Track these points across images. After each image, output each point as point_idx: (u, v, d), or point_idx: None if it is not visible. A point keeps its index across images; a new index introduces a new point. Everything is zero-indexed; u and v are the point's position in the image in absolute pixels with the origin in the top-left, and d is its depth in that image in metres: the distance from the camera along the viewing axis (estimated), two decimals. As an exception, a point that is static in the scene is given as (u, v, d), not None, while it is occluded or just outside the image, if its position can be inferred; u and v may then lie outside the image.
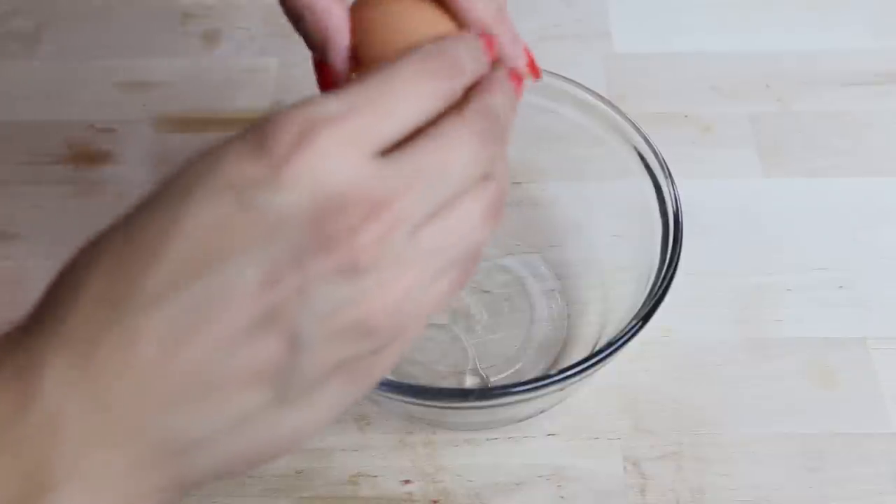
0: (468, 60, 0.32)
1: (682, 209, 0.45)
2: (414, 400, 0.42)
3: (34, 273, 0.52)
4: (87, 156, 0.59)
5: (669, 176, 0.46)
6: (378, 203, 0.27)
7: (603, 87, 0.61)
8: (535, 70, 0.37)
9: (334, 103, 0.28)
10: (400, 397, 0.42)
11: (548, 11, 0.66)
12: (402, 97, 0.29)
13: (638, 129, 0.48)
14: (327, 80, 0.35)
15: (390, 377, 0.42)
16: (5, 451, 0.26)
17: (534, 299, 0.52)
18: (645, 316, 0.42)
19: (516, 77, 0.35)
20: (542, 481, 0.46)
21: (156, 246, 0.27)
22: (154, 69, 0.64)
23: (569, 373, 0.41)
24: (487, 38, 0.34)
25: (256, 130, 0.28)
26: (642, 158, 0.48)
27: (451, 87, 0.30)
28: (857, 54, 0.64)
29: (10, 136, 0.60)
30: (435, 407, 0.43)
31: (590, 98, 0.49)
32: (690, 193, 0.48)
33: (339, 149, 0.27)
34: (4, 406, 0.26)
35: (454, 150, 0.29)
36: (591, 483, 0.46)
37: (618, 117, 0.49)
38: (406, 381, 0.47)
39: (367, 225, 0.27)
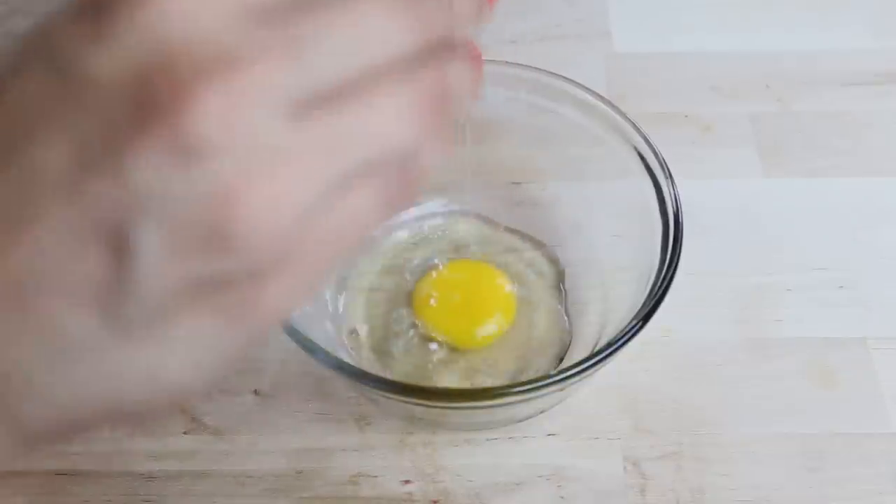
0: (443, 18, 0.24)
1: (682, 209, 0.45)
2: (414, 400, 0.42)
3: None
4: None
5: (669, 176, 0.46)
6: (230, 60, 0.20)
7: (603, 86, 0.61)
8: None
9: None
10: (400, 397, 0.42)
11: (548, 11, 0.66)
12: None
13: (638, 129, 0.48)
14: None
15: (390, 377, 0.42)
16: None
17: (534, 299, 0.52)
18: (645, 316, 0.42)
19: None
20: (542, 481, 0.46)
21: None
22: (154, 69, 0.63)
23: (569, 373, 0.41)
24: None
25: None
26: (642, 158, 0.48)
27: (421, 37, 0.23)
28: (858, 54, 0.64)
29: (10, 136, 0.60)
30: (435, 407, 0.43)
31: (590, 98, 0.49)
32: (690, 193, 0.48)
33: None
34: None
35: (360, 9, 0.22)
36: (591, 483, 0.46)
37: (618, 117, 0.49)
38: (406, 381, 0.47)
39: (205, 85, 0.20)
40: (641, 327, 0.42)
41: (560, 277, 0.53)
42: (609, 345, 0.42)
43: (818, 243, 0.55)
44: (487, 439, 0.48)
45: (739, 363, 0.50)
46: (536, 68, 0.50)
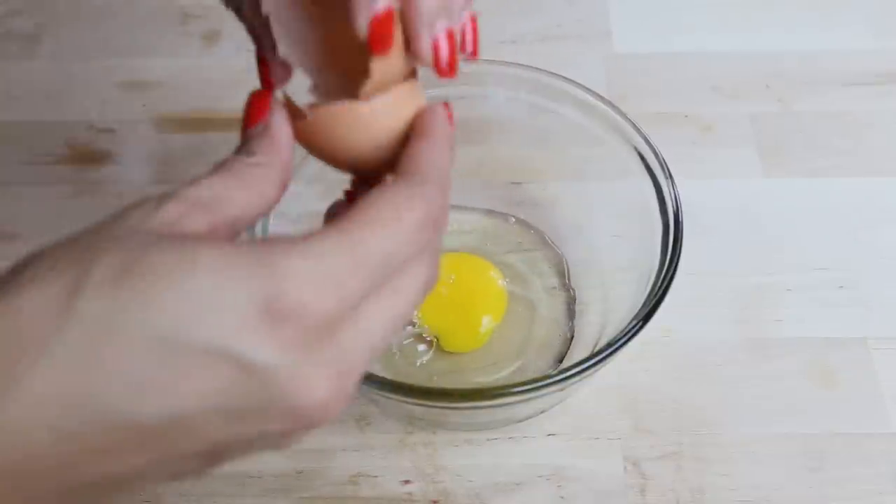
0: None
1: (683, 209, 0.45)
2: (414, 400, 0.42)
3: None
4: (87, 156, 0.59)
5: (670, 176, 0.46)
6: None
7: (603, 87, 0.61)
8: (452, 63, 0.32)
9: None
10: (400, 397, 0.42)
11: (549, 11, 0.66)
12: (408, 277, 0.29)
13: (638, 130, 0.48)
14: (265, 77, 0.33)
15: (390, 377, 0.42)
16: None
17: (534, 299, 0.52)
18: (645, 316, 0.42)
19: None
20: (542, 481, 0.46)
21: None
22: (154, 69, 0.64)
23: (569, 373, 0.41)
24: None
25: (269, 294, 0.26)
26: (643, 158, 0.48)
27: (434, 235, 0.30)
28: (858, 54, 0.64)
29: (10, 136, 0.60)
30: (435, 407, 0.43)
31: (590, 98, 0.49)
32: (691, 193, 0.48)
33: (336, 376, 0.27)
34: None
35: (409, 305, 0.29)
36: (591, 483, 0.46)
37: (618, 117, 0.49)
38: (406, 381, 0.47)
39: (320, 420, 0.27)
40: (641, 327, 0.42)
41: (561, 277, 0.53)
42: (609, 345, 0.41)
43: (818, 243, 0.55)
44: (487, 439, 0.48)
45: (740, 363, 0.50)
46: (536, 68, 0.50)
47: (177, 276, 0.24)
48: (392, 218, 0.28)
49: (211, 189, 0.29)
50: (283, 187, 0.31)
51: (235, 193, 0.29)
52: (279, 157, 0.30)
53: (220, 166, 0.30)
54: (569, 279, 0.53)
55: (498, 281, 0.52)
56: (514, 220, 0.55)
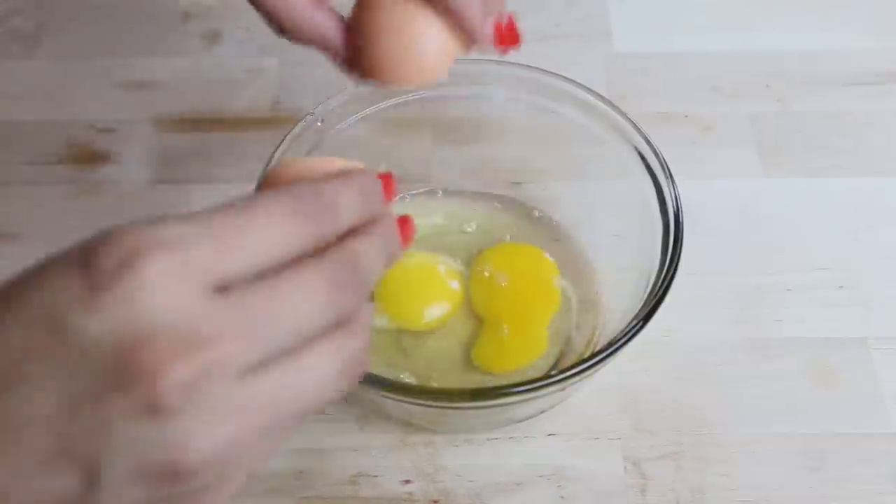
0: (346, 208, 0.30)
1: (683, 209, 0.45)
2: (414, 400, 0.42)
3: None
4: (87, 156, 0.59)
5: (670, 176, 0.46)
6: (195, 341, 0.25)
7: (603, 86, 0.61)
8: (510, 38, 0.37)
9: (178, 227, 0.26)
10: (400, 397, 0.42)
11: (549, 11, 0.66)
12: (256, 233, 0.27)
13: (638, 129, 0.48)
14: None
15: (389, 378, 0.42)
16: None
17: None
18: (646, 316, 0.42)
19: (404, 223, 0.33)
20: (543, 481, 0.46)
21: None
22: (154, 69, 0.64)
23: (569, 373, 0.41)
24: (386, 179, 0.33)
25: (86, 247, 0.26)
26: (643, 158, 0.48)
27: (318, 233, 0.29)
28: (858, 54, 0.64)
29: (10, 136, 0.60)
30: (435, 407, 0.43)
31: (590, 98, 0.49)
32: (691, 193, 0.48)
33: (167, 277, 0.25)
34: None
35: (296, 296, 0.27)
36: (591, 483, 0.46)
37: (618, 117, 0.49)
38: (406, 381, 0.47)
39: (175, 363, 0.25)
40: (642, 327, 0.42)
41: (561, 277, 0.52)
42: (609, 345, 0.41)
43: (818, 243, 0.55)
44: (488, 439, 0.48)
45: (740, 363, 0.50)
46: (536, 68, 0.50)
47: None
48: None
49: None
50: None
51: None
52: None
53: None
54: (569, 279, 0.53)
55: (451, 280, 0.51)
56: (513, 218, 0.55)
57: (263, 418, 0.27)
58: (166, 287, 0.25)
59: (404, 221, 0.33)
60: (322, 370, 0.28)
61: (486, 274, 0.51)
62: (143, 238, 0.26)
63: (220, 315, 0.26)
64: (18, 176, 0.58)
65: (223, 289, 0.26)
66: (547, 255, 0.52)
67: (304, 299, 0.28)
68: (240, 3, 0.67)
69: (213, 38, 0.65)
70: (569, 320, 0.51)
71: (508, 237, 0.53)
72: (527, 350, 0.49)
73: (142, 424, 0.25)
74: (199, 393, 0.25)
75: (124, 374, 0.25)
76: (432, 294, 0.51)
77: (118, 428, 0.25)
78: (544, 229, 0.54)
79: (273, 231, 0.28)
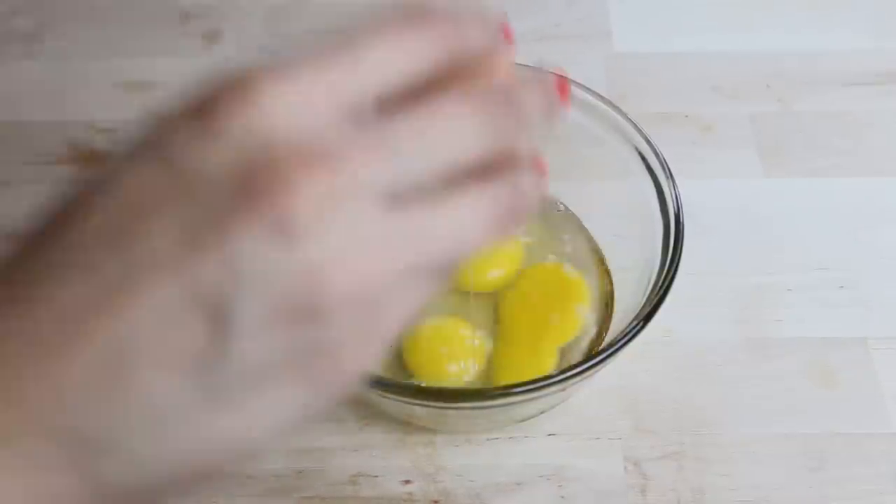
0: (471, 26, 0.27)
1: (683, 209, 0.45)
2: (414, 400, 0.42)
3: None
4: (87, 156, 0.59)
5: (670, 176, 0.46)
6: (326, 154, 0.23)
7: (604, 86, 0.61)
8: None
9: (293, 64, 0.24)
10: (400, 397, 0.42)
11: (549, 11, 0.66)
12: (377, 48, 0.24)
13: (639, 129, 0.48)
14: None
15: (389, 377, 0.42)
16: None
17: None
18: (646, 316, 0.42)
19: (561, 82, 0.30)
20: (543, 481, 0.46)
21: (70, 217, 0.24)
22: (154, 69, 0.63)
23: (569, 373, 0.41)
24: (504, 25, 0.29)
25: (199, 92, 0.24)
26: (643, 158, 0.48)
27: (442, 48, 0.25)
28: (858, 54, 0.64)
29: (11, 136, 0.60)
30: (435, 407, 0.43)
31: (590, 98, 0.49)
32: (691, 193, 0.48)
33: (285, 99, 0.23)
34: None
35: (446, 119, 0.24)
36: (591, 483, 0.46)
37: (618, 117, 0.49)
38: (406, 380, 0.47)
39: (306, 176, 0.22)
40: (642, 328, 0.42)
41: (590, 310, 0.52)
42: (610, 345, 0.41)
43: (819, 243, 0.55)
44: (488, 439, 0.48)
45: (740, 363, 0.50)
46: (536, 68, 0.50)
47: None
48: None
49: None
50: None
51: None
52: None
53: None
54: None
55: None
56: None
57: (407, 256, 0.24)
58: (287, 107, 0.23)
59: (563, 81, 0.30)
60: (470, 212, 0.25)
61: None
62: (259, 72, 0.24)
63: (355, 136, 0.23)
64: (18, 176, 0.58)
65: (355, 113, 0.24)
66: (582, 284, 0.50)
67: (453, 122, 0.25)
68: (240, 2, 0.67)
69: (213, 38, 0.65)
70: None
71: (552, 257, 0.53)
72: (531, 369, 0.48)
73: (272, 245, 0.22)
74: (334, 211, 0.22)
75: (251, 193, 0.22)
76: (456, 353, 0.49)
77: (243, 255, 0.22)
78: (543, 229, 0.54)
79: (394, 45, 0.25)
